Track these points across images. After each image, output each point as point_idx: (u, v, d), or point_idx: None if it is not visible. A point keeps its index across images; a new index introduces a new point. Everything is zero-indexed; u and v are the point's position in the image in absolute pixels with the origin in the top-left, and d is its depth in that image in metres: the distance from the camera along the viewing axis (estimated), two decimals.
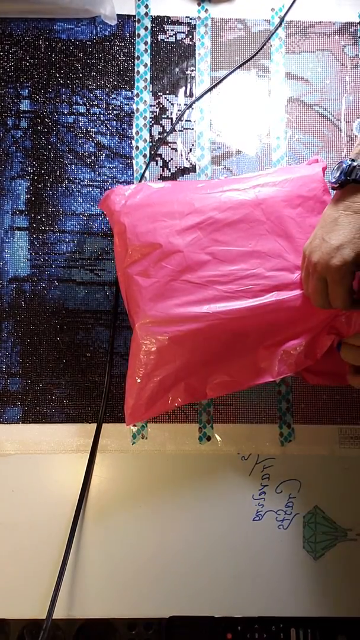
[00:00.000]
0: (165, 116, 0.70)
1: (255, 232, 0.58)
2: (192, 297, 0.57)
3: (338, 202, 0.53)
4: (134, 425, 0.65)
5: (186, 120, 0.70)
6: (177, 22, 0.72)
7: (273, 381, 0.66)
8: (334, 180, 0.53)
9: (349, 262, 0.50)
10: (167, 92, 0.71)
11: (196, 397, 0.58)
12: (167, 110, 0.70)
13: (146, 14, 0.72)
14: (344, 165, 0.53)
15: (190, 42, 0.71)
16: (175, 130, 0.70)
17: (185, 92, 0.71)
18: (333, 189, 0.55)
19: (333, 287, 0.52)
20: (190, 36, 0.71)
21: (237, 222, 0.59)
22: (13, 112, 0.70)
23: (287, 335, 0.58)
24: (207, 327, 0.56)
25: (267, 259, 0.58)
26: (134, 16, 0.71)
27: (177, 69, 0.71)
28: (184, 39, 0.71)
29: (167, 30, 0.71)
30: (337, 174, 0.53)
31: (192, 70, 0.71)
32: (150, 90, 0.71)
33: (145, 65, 0.71)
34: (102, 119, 0.70)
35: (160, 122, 0.70)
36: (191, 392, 0.58)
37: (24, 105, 0.70)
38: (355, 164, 0.52)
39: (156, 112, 0.70)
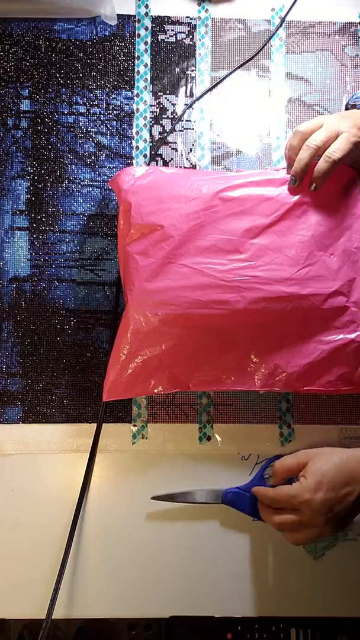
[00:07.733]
0: (166, 116, 0.70)
1: (258, 225, 0.59)
2: (188, 282, 0.57)
3: None
4: (134, 425, 0.65)
5: (186, 120, 0.70)
6: (178, 22, 0.72)
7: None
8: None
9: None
10: (167, 92, 0.71)
11: (178, 388, 0.59)
12: (167, 110, 0.70)
13: (146, 14, 0.72)
14: None
15: (191, 42, 0.71)
16: (175, 130, 0.70)
17: (186, 92, 0.71)
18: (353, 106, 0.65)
19: (341, 140, 0.57)
20: (191, 36, 0.71)
21: (241, 214, 0.59)
22: (13, 112, 0.70)
23: (280, 343, 0.58)
24: (198, 315, 0.56)
25: (266, 252, 0.58)
26: (134, 16, 0.71)
27: (177, 69, 0.71)
28: (184, 39, 0.71)
29: (168, 30, 0.71)
30: None
31: (192, 70, 0.71)
32: (151, 90, 0.71)
33: (146, 65, 0.71)
34: (102, 119, 0.70)
35: (161, 122, 0.70)
36: (174, 382, 0.58)
37: (24, 105, 0.70)
38: None
39: (156, 112, 0.70)
